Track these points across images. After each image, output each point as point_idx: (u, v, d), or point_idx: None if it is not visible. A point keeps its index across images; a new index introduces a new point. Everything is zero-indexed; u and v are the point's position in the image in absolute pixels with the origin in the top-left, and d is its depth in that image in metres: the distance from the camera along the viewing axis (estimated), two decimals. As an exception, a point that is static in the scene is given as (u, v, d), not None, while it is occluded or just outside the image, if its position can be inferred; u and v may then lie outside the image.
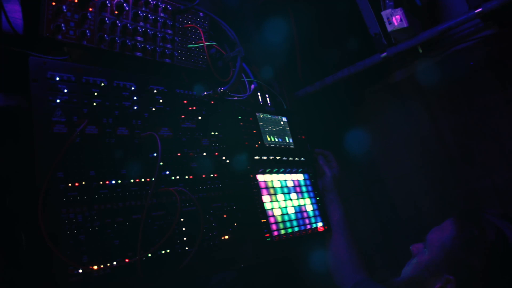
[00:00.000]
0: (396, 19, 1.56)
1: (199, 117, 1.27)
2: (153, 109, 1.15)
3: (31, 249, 0.90)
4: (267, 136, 1.42)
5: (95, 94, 1.03)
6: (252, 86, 1.50)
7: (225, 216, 1.22)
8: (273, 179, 1.37)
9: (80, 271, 0.87)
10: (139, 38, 1.17)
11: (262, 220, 1.24)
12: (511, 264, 1.03)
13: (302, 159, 1.53)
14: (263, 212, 1.26)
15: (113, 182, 0.99)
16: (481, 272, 1.04)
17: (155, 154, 1.08)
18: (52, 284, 0.85)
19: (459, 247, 1.08)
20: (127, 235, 0.97)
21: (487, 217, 1.10)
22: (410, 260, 1.21)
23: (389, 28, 1.58)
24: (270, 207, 1.29)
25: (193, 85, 1.28)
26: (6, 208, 0.93)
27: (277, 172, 1.40)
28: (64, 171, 0.92)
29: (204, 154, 1.24)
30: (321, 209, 1.49)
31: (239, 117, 1.35)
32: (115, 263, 0.93)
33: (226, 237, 1.19)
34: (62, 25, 1.01)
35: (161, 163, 1.10)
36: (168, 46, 1.25)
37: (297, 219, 1.36)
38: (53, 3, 1.00)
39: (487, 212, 1.12)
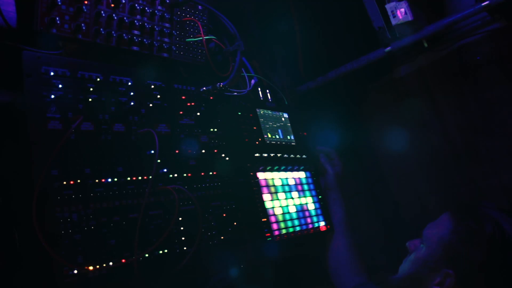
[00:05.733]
0: (400, 12, 1.52)
1: (198, 113, 1.25)
2: (150, 105, 1.13)
3: (26, 249, 0.88)
4: (268, 132, 1.39)
5: (91, 89, 1.01)
6: (252, 81, 1.47)
7: (224, 215, 1.19)
8: (274, 177, 1.34)
9: (75, 271, 0.86)
10: (136, 32, 1.15)
11: (263, 219, 1.22)
12: (509, 256, 1.03)
13: (304, 156, 1.50)
14: (264, 211, 1.23)
15: (109, 180, 0.98)
16: (480, 265, 1.04)
17: (152, 152, 1.07)
18: (47, 285, 0.84)
19: (457, 241, 1.08)
20: (123, 234, 0.96)
21: (483, 210, 1.11)
22: (407, 256, 1.19)
23: (394, 22, 1.55)
24: (271, 206, 1.27)
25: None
26: (1, 207, 0.91)
27: (278, 170, 1.37)
28: (59, 168, 0.90)
29: (203, 151, 1.22)
30: (323, 208, 1.46)
31: (239, 113, 1.33)
32: (111, 263, 0.91)
33: (226, 236, 1.16)
34: (57, 18, 0.99)
35: (159, 161, 1.08)
36: (166, 40, 1.22)
37: (298, 218, 1.34)
38: (47, -4, 0.97)
39: (483, 205, 1.13)
